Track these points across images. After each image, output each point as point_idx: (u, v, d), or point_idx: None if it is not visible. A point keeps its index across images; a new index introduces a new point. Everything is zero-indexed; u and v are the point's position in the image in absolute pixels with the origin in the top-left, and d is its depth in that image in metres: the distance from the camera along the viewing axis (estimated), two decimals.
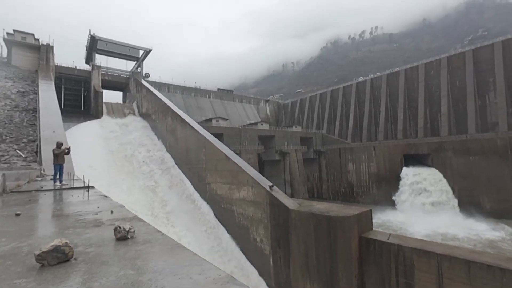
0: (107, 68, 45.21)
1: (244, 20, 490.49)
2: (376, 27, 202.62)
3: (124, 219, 4.20)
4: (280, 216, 12.07)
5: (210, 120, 48.26)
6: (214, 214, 18.16)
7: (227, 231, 16.64)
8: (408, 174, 37.42)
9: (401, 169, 38.56)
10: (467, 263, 6.73)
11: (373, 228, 9.76)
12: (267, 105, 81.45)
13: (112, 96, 48.80)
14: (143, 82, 40.07)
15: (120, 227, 3.09)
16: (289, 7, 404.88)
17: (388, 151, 41.02)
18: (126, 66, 49.33)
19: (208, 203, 19.14)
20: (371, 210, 10.04)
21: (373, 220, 10.46)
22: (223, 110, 67.71)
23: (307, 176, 50.28)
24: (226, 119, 52.42)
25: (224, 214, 17.21)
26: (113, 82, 45.23)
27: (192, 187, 21.26)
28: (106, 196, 6.89)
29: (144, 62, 48.11)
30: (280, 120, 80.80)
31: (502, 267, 6.25)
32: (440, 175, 35.32)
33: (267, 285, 13.03)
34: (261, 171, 43.61)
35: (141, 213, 16.03)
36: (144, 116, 35.97)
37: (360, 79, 67.67)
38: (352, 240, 9.04)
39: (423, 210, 33.41)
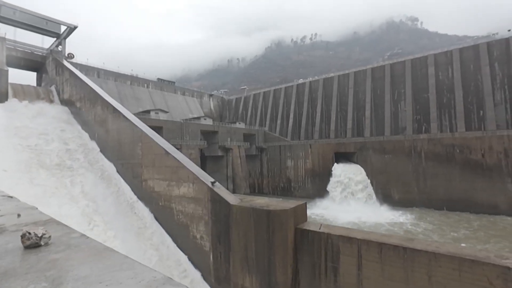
0: (15, 42, 37.41)
1: (189, 11, 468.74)
2: (316, 34, 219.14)
3: (36, 223, 3.57)
4: (221, 212, 12.06)
5: (148, 112, 44.81)
6: (151, 212, 17.04)
7: (165, 230, 15.83)
8: (338, 170, 41.88)
9: (333, 165, 42.89)
10: (380, 245, 7.94)
11: (308, 220, 10.62)
12: (211, 99, 80.00)
13: (23, 77, 40.64)
14: (66, 63, 34.57)
15: (29, 233, 2.61)
16: (235, 4, 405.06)
17: (322, 149, 45.05)
18: (43, 42, 41.65)
19: (143, 201, 17.82)
20: (305, 203, 10.89)
21: (308, 212, 11.39)
22: (163, 102, 63.67)
23: (249, 172, 51.44)
24: (167, 112, 49.50)
25: (162, 212, 16.31)
26: (24, 60, 37.67)
27: (125, 184, 19.46)
28: (11, 197, 5.74)
29: (68, 41, 41.46)
30: (224, 115, 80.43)
31: (404, 246, 7.57)
32: (363, 171, 40.56)
33: (207, 281, 12.92)
34: (203, 167, 42.74)
35: (62, 215, 13.90)
36: (66, 103, 31.12)
37: (300, 81, 72.28)
38: (289, 231, 9.66)
39: (350, 202, 37.95)
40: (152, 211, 17.08)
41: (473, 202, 33.01)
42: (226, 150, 46.06)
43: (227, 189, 34.08)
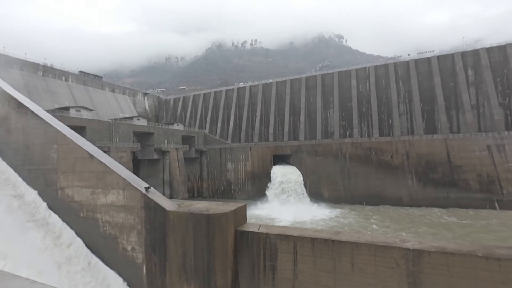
0: None
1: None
2: (256, 40, 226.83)
3: None
4: (156, 219, 11.24)
5: (67, 109, 38.90)
6: (68, 225, 14.68)
7: (86, 243, 13.85)
8: (276, 171, 43.97)
9: (271, 167, 44.78)
10: (312, 240, 8.60)
11: (247, 221, 10.77)
12: (146, 98, 74.23)
13: None
14: None
15: None
16: (167, 0, 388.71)
17: (262, 151, 46.65)
18: None
19: (58, 213, 15.25)
20: (245, 205, 11.03)
21: (248, 213, 11.56)
22: (87, 99, 56.06)
23: (188, 176, 49.52)
24: (91, 110, 43.86)
25: (84, 224, 14.23)
26: None
27: (34, 194, 16.30)
28: None
29: None
30: (161, 116, 75.70)
31: (332, 239, 8.38)
32: (298, 172, 43.55)
33: None
34: (136, 171, 39.23)
35: None
36: None
37: (241, 85, 73.51)
38: (229, 234, 9.61)
39: (288, 202, 40.17)
40: (69, 223, 14.73)
41: (385, 197, 38.96)
42: (163, 153, 43.34)
43: (164, 194, 31.97)
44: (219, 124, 65.68)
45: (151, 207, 11.54)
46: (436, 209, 35.14)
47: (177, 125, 54.66)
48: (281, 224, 30.56)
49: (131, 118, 47.26)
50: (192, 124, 69.53)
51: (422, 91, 48.84)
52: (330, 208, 38.12)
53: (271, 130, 58.80)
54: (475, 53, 46.49)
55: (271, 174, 43.94)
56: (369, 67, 54.76)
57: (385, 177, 39.66)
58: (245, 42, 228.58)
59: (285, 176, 42.96)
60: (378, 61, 66.04)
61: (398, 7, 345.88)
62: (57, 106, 44.10)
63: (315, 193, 41.98)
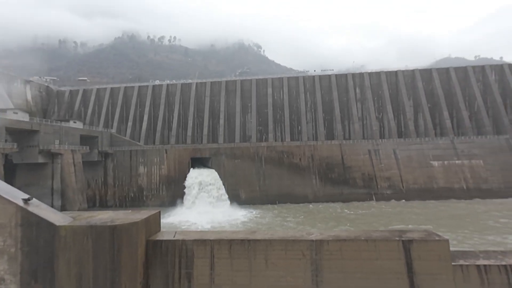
0: None
1: None
2: (175, 37, 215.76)
3: None
4: (40, 238, 9.06)
5: None
6: None
7: None
8: (194, 175, 42.69)
9: (189, 171, 43.20)
10: (230, 242, 8.70)
11: (162, 229, 10.00)
12: (28, 87, 59.39)
13: None
14: None
15: None
16: None
17: (179, 154, 44.48)
18: None
19: None
20: (159, 212, 10.20)
21: (164, 221, 10.75)
22: None
23: (87, 182, 42.43)
24: None
25: None
26: None
27: None
28: None
29: None
30: (51, 111, 62.22)
31: (248, 239, 8.69)
32: (217, 175, 43.56)
33: None
34: (8, 179, 30.99)
35: None
36: None
37: (157, 82, 68.40)
38: (139, 246, 8.65)
39: (206, 205, 39.42)
40: None
41: (294, 195, 43.39)
42: (53, 155, 35.69)
43: (53, 206, 26.41)
44: (129, 124, 58.96)
45: (31, 223, 9.23)
46: (333, 204, 41.51)
47: (75, 122, 46.14)
48: (199, 229, 29.81)
49: (3, 110, 37.03)
50: (95, 122, 60.04)
51: (324, 102, 57.08)
52: (248, 209, 39.69)
53: (189, 132, 56.84)
54: (361, 75, 57.76)
55: (189, 178, 42.40)
56: (283, 78, 60.26)
57: (295, 177, 44.24)
58: (162, 37, 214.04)
59: (204, 179, 42.26)
60: (291, 73, 73.64)
61: (308, 28, 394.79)
62: None
63: (233, 195, 42.88)
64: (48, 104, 62.81)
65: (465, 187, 42.92)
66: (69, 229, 8.77)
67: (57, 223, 9.22)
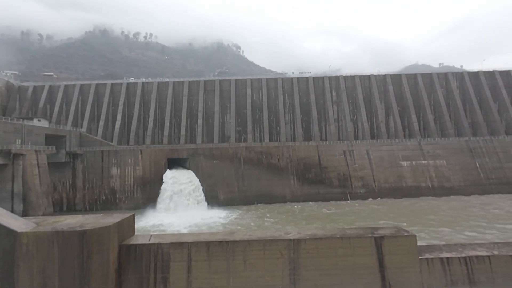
0: None
1: None
2: (151, 34, 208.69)
3: None
4: None
5: None
6: None
7: None
8: (170, 176, 41.50)
9: (165, 172, 41.94)
10: (208, 244, 8.56)
11: (136, 233, 9.60)
12: None
13: None
14: None
15: None
16: None
17: (154, 154, 43.06)
18: None
19: None
20: (133, 215, 9.77)
21: (139, 224, 10.33)
22: None
23: (53, 185, 39.74)
24: None
25: None
26: None
27: None
28: None
29: None
30: (11, 107, 57.49)
31: (227, 240, 8.60)
32: (195, 176, 42.73)
33: None
34: None
35: None
36: None
37: (132, 80, 65.79)
38: (111, 251, 8.23)
39: (183, 207, 38.45)
40: None
41: (273, 195, 43.74)
42: (13, 156, 32.93)
43: (13, 211, 24.47)
44: (101, 123, 56.09)
45: None
46: (311, 203, 42.41)
47: (39, 120, 43.06)
48: (174, 231, 29.03)
49: None
50: (63, 121, 56.41)
51: (301, 104, 58.22)
52: (226, 210, 39.33)
53: (166, 132, 55.27)
54: (337, 79, 59.70)
55: (165, 179, 41.17)
56: (262, 79, 60.61)
57: (273, 177, 44.62)
58: (138, 33, 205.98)
59: (181, 180, 41.25)
60: (269, 75, 74.31)
61: (287, 31, 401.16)
62: None
63: (212, 196, 42.31)
64: (8, 101, 57.96)
65: (430, 185, 45.90)
66: (31, 236, 8.13)
67: (18, 230, 8.52)
